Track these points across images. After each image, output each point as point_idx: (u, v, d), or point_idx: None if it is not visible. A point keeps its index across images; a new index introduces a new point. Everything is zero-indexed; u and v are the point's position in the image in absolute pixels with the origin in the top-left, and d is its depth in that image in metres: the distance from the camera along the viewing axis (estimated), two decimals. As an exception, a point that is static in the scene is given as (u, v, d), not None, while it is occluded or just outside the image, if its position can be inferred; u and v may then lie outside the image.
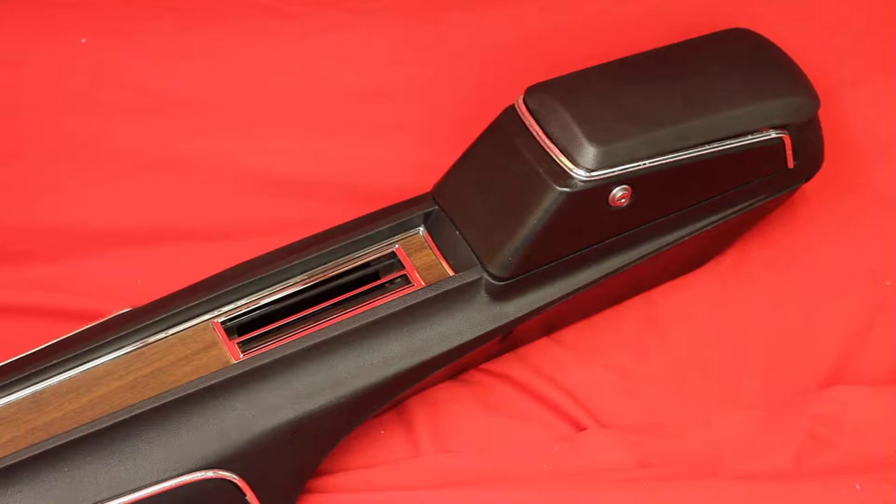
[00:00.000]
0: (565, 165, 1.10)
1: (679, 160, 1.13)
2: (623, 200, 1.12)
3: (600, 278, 1.16)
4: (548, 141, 1.12)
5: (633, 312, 1.25)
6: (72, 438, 1.03)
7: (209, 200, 1.32)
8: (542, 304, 1.14)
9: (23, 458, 1.02)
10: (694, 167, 1.14)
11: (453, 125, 1.33)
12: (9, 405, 1.07)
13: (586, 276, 1.16)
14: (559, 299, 1.15)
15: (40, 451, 1.02)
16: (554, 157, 1.11)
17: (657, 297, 1.26)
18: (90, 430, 1.03)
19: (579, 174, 1.10)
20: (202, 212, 1.32)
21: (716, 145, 1.15)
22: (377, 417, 1.18)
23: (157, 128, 1.36)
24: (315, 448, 1.10)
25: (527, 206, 1.10)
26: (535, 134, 1.13)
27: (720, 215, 1.20)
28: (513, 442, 1.18)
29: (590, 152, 1.10)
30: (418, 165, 1.31)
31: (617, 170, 1.11)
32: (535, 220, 1.10)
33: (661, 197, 1.15)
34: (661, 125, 1.13)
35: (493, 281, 1.12)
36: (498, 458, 1.16)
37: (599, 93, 1.15)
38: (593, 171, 1.10)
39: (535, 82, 1.16)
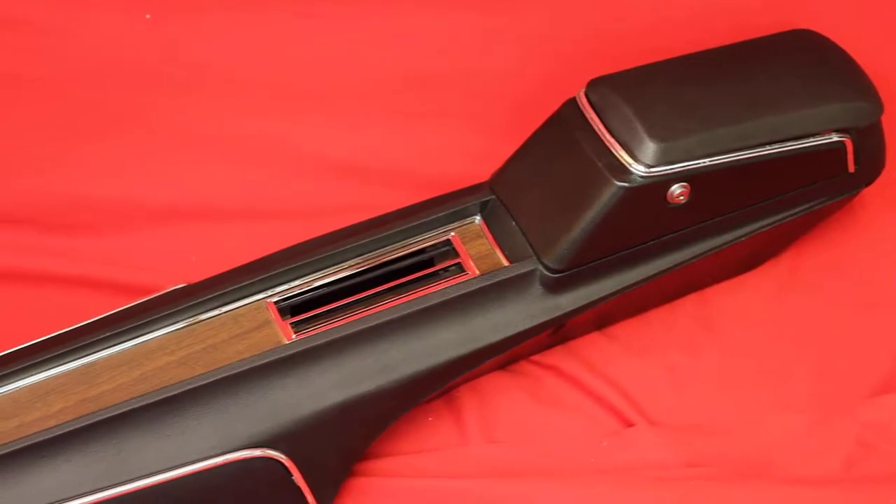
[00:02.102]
0: (625, 160, 1.10)
1: (739, 160, 1.12)
2: (681, 198, 1.12)
3: (655, 275, 1.15)
4: (608, 135, 1.12)
5: (686, 310, 1.24)
6: (122, 411, 1.03)
7: (266, 181, 1.32)
8: (595, 297, 1.14)
9: (72, 428, 1.02)
10: (754, 167, 1.13)
11: (514, 115, 1.33)
12: (60, 375, 1.07)
13: (641, 272, 1.15)
14: (613, 294, 1.14)
15: (90, 422, 1.03)
16: (614, 151, 1.11)
17: (711, 297, 1.25)
18: (140, 404, 1.03)
19: (638, 170, 1.10)
20: (258, 192, 1.31)
21: (776, 146, 1.14)
22: (426, 404, 1.18)
23: (218, 106, 1.36)
24: (363, 432, 1.10)
25: (585, 199, 1.10)
26: (595, 127, 1.13)
27: (778, 217, 1.19)
28: (560, 435, 1.17)
29: (650, 148, 1.10)
30: (477, 154, 1.30)
31: (676, 167, 1.10)
32: (592, 213, 1.10)
33: (720, 196, 1.14)
34: (722, 124, 1.12)
35: (547, 273, 1.12)
36: (545, 450, 1.16)
37: (661, 89, 1.14)
38: (653, 167, 1.09)
39: (595, 76, 1.16)
